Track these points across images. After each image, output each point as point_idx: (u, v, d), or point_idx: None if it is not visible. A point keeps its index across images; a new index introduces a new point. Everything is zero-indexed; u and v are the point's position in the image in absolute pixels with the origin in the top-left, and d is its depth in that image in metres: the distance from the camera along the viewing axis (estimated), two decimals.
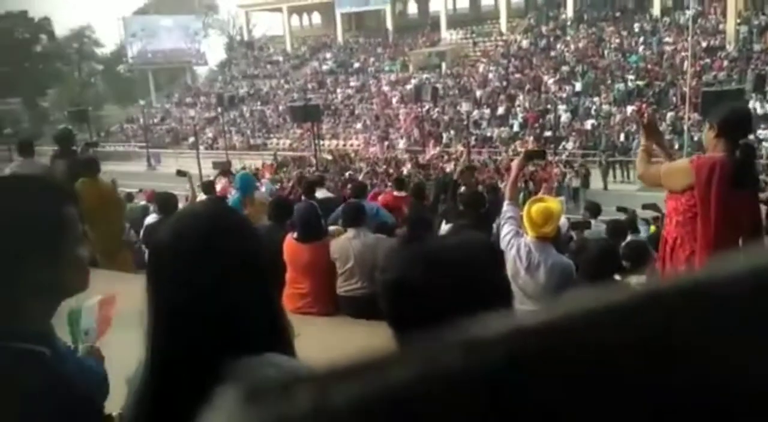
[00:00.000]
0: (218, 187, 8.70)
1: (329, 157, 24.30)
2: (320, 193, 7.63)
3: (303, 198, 6.92)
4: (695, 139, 21.51)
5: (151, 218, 6.70)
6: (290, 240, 4.68)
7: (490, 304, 1.09)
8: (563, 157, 22.63)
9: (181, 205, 7.00)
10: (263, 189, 9.65)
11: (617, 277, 3.64)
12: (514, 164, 4.15)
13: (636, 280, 3.96)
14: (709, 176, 3.10)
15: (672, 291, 0.21)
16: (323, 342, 3.72)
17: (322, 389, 0.20)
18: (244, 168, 17.43)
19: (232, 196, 7.04)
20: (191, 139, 30.05)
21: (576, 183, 18.98)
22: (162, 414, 1.04)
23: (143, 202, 8.71)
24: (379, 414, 0.19)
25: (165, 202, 6.21)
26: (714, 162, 3.16)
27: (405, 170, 19.79)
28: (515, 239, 3.59)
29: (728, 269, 0.21)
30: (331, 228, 5.34)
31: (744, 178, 3.17)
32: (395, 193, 7.71)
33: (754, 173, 3.34)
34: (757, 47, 26.72)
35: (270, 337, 1.10)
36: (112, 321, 1.76)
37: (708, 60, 26.83)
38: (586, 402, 0.19)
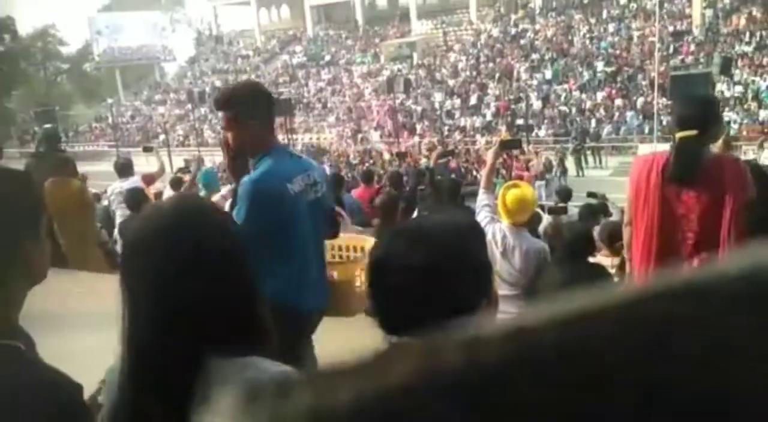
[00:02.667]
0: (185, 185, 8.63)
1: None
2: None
3: None
4: (664, 123, 21.83)
5: (120, 216, 6.60)
6: None
7: (472, 281, 1.09)
8: (532, 145, 22.77)
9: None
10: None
11: (592, 260, 3.69)
12: (490, 153, 4.16)
13: (610, 262, 4.01)
14: (647, 173, 2.74)
15: (672, 290, 0.21)
16: None
17: (321, 389, 0.20)
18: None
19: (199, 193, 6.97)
20: (162, 137, 29.65)
21: (554, 170, 19.02)
22: (140, 412, 1.02)
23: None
24: (378, 415, 0.19)
25: (132, 197, 6.15)
26: (651, 158, 2.82)
27: (381, 161, 19.78)
28: (490, 225, 3.61)
29: (726, 268, 0.21)
30: None
31: (676, 171, 2.66)
32: (365, 187, 7.59)
33: (691, 164, 2.66)
34: (723, 30, 27.12)
35: (249, 335, 1.08)
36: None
37: (675, 44, 27.19)
38: (588, 401, 0.19)
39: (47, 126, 8.54)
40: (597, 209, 6.56)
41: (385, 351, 0.21)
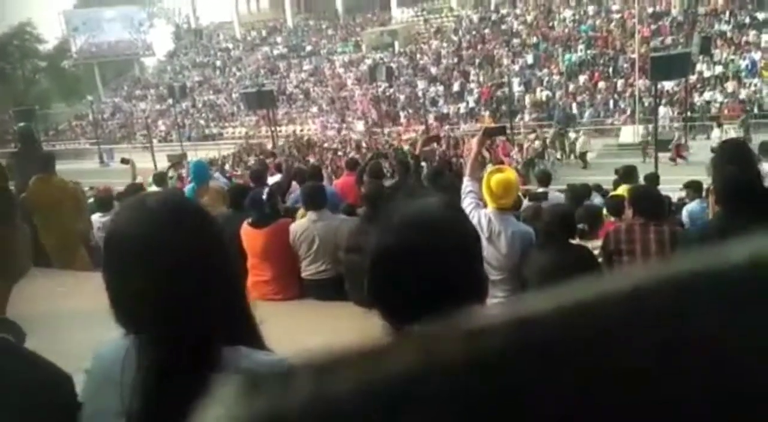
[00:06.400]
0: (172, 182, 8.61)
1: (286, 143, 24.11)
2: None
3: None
4: (646, 105, 21.92)
5: (96, 217, 6.50)
6: (245, 226, 4.61)
7: (474, 259, 1.10)
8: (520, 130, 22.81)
9: None
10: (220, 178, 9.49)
11: (573, 241, 3.72)
12: (474, 141, 4.18)
13: (592, 245, 4.04)
14: None
15: (682, 277, 0.21)
16: (292, 327, 3.71)
17: (322, 378, 0.20)
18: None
19: (187, 186, 6.92)
20: (144, 133, 29.41)
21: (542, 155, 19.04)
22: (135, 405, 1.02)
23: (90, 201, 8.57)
24: (380, 403, 0.19)
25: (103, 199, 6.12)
26: None
27: (363, 151, 19.75)
28: (475, 211, 3.63)
29: (729, 258, 0.21)
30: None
31: None
32: (348, 173, 7.77)
33: None
34: (701, 10, 27.26)
35: (237, 327, 1.09)
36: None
37: (655, 25, 27.28)
38: (590, 391, 0.19)
39: (21, 124, 8.49)
40: (582, 192, 6.60)
41: (387, 339, 0.21)
